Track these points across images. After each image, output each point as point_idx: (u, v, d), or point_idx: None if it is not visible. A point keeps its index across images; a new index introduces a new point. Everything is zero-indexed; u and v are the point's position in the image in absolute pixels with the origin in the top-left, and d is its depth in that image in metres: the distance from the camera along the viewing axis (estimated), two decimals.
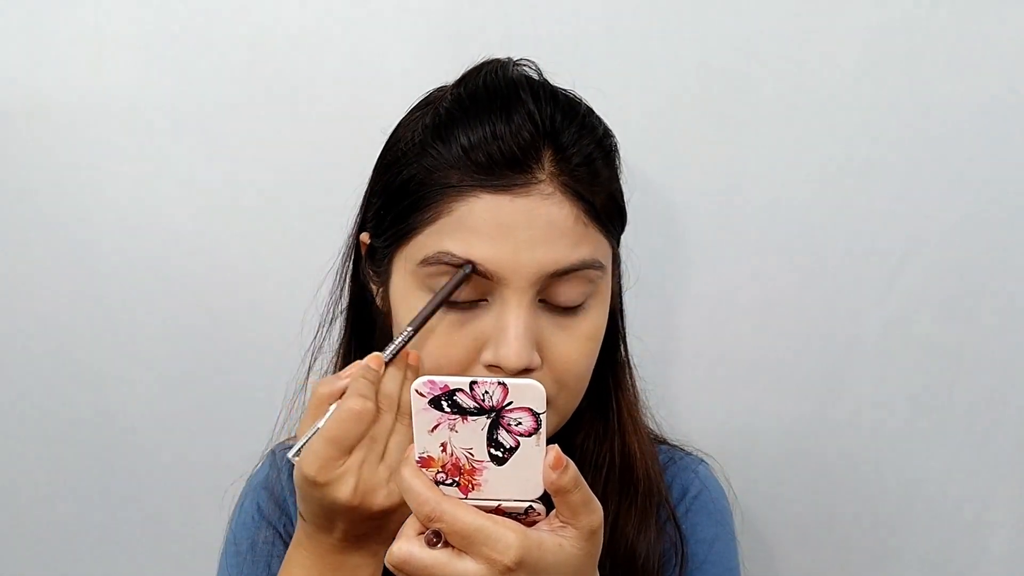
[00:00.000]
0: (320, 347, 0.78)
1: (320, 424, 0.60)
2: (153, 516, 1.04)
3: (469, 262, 0.62)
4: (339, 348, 0.77)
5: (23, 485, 1.05)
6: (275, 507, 0.78)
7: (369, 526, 0.61)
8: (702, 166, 0.93)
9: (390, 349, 0.63)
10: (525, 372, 0.63)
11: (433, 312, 0.63)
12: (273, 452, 0.82)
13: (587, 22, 0.91)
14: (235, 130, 0.95)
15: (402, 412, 0.62)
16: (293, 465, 0.79)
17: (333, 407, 0.61)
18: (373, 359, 0.62)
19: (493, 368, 0.64)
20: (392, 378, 0.63)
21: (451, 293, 0.63)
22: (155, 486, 1.04)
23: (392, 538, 0.60)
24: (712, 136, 0.92)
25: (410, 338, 0.63)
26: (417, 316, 0.63)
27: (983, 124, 0.91)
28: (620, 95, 0.90)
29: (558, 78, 0.70)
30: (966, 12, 0.89)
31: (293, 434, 0.82)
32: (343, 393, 0.61)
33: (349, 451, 0.59)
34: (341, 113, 0.93)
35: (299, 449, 0.61)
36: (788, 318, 0.96)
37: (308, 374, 0.78)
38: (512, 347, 0.62)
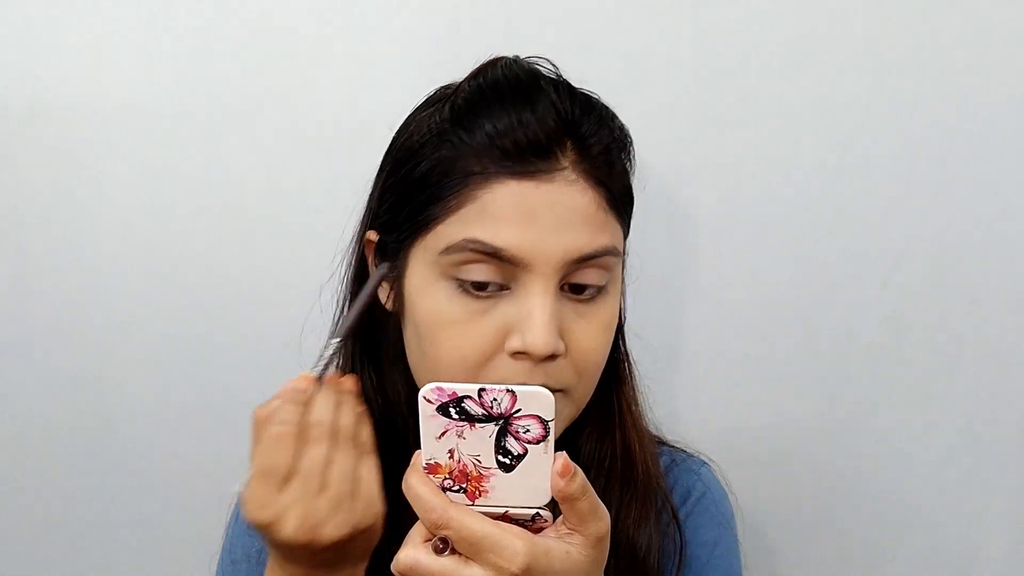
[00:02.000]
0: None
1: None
2: (150, 522, 1.03)
3: (386, 263, 0.63)
4: (342, 351, 0.76)
5: (21, 487, 1.04)
6: None
7: (330, 555, 0.58)
8: (703, 164, 0.93)
9: (319, 365, 0.60)
10: (550, 359, 0.63)
11: (357, 318, 0.62)
12: None
13: (589, 21, 0.91)
14: (235, 130, 0.94)
15: (343, 438, 0.58)
16: None
17: None
18: (301, 379, 0.59)
19: (519, 355, 0.63)
20: (324, 405, 0.58)
21: (371, 296, 0.62)
22: (153, 490, 1.02)
23: (364, 556, 0.60)
24: (713, 134, 0.92)
25: (337, 350, 0.61)
26: (340, 325, 0.62)
27: (980, 123, 0.92)
28: (622, 94, 0.89)
29: (564, 76, 0.70)
30: (964, 12, 0.89)
31: None
32: None
33: (284, 480, 0.56)
34: (342, 114, 0.93)
35: (245, 482, 0.57)
36: (787, 316, 0.96)
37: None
38: (539, 333, 0.61)
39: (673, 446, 0.82)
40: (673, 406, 0.96)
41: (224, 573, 0.77)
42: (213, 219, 0.96)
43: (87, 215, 0.96)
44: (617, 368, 0.76)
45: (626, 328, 0.78)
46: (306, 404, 0.58)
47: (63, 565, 1.05)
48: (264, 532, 0.56)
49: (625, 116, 0.70)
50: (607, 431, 0.75)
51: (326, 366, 0.61)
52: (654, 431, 0.82)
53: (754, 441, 0.99)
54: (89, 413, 1.01)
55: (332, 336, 0.61)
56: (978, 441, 0.99)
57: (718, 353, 0.97)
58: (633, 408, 0.76)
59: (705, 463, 0.81)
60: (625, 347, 0.78)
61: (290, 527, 0.55)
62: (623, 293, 0.77)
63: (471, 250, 0.62)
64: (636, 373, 0.78)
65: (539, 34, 0.90)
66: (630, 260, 0.78)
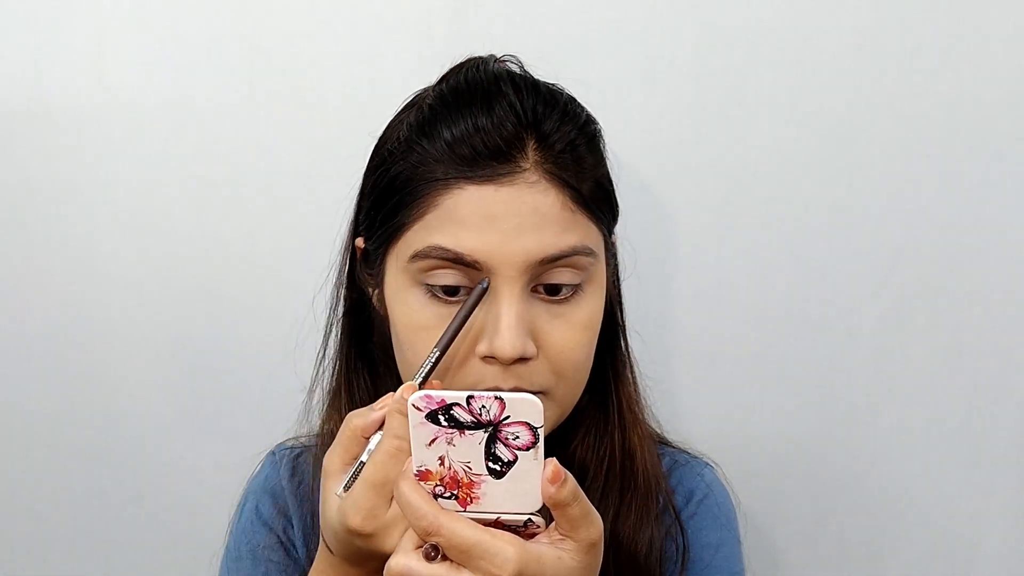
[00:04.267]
0: (319, 353, 0.77)
1: (364, 457, 0.59)
2: (154, 519, 1.04)
3: (487, 278, 0.62)
4: (336, 353, 0.76)
5: (23, 486, 1.05)
6: (275, 510, 0.78)
7: None
8: (702, 161, 0.93)
9: (419, 375, 0.62)
10: (521, 361, 0.63)
11: (457, 331, 0.63)
12: (273, 453, 0.82)
13: (584, 20, 0.90)
14: (236, 132, 0.94)
15: None
16: (294, 466, 0.80)
17: (373, 441, 0.60)
18: (407, 389, 0.60)
19: (489, 359, 0.63)
20: None
21: (472, 310, 0.62)
22: (156, 488, 1.03)
23: None
24: (711, 132, 0.92)
25: (437, 360, 0.62)
26: (441, 337, 0.62)
27: (979, 122, 0.91)
28: (620, 90, 0.89)
29: (558, 76, 0.69)
30: (963, 12, 0.89)
31: (293, 435, 0.82)
32: (378, 425, 0.60)
33: (391, 494, 0.58)
34: (343, 117, 0.93)
35: (346, 485, 0.59)
36: (787, 315, 0.96)
37: (315, 379, 0.78)
38: (505, 337, 0.62)
39: (676, 447, 0.81)
40: (673, 406, 0.95)
41: (228, 570, 0.77)
42: (215, 220, 0.96)
43: (88, 215, 0.97)
44: (616, 368, 0.76)
45: (627, 328, 0.77)
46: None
47: (63, 565, 1.06)
48: (362, 541, 0.58)
49: (625, 113, 0.70)
50: (606, 432, 0.74)
51: (426, 376, 0.62)
52: (656, 428, 0.81)
53: (754, 441, 0.98)
54: (89, 412, 1.02)
55: (435, 346, 0.62)
56: (978, 440, 0.98)
57: (717, 353, 0.97)
58: (634, 408, 0.76)
59: (708, 464, 0.81)
60: (626, 347, 0.77)
61: (394, 542, 0.57)
62: (619, 293, 0.76)
63: (435, 257, 0.63)
64: (638, 373, 0.78)
65: (539, 34, 0.90)
66: (628, 255, 0.77)
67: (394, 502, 0.58)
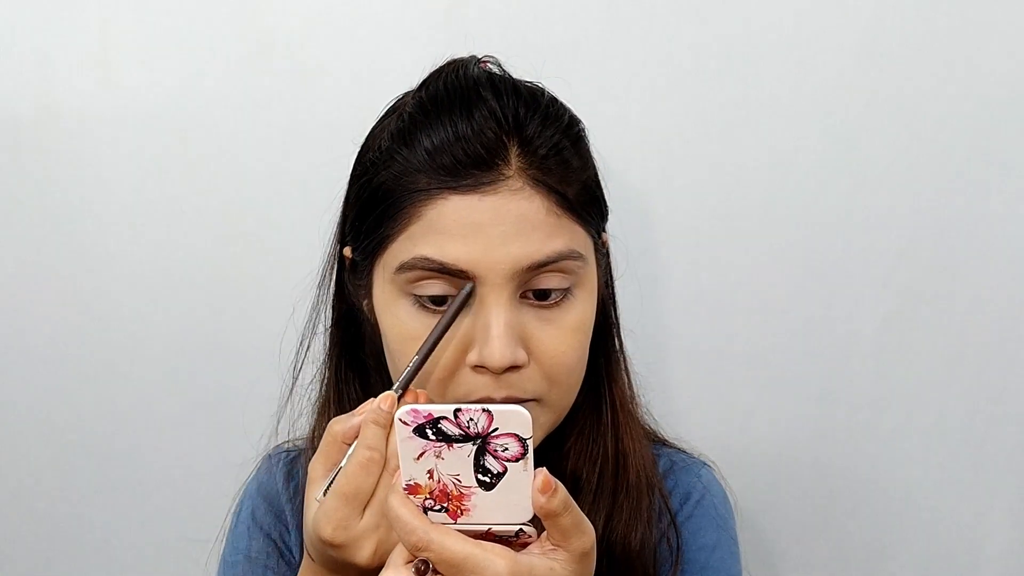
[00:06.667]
0: (304, 360, 0.77)
1: (343, 463, 0.59)
2: (151, 520, 1.04)
3: (471, 281, 0.61)
4: (326, 362, 0.76)
5: (20, 485, 1.05)
6: (271, 515, 0.77)
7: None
8: (699, 158, 0.92)
9: (399, 382, 0.61)
10: (512, 369, 0.62)
11: (440, 338, 0.62)
12: (269, 456, 0.82)
13: (586, 21, 0.89)
14: (238, 135, 0.94)
15: None
16: (289, 469, 0.80)
17: (351, 450, 0.59)
18: (385, 399, 0.60)
19: (479, 369, 0.63)
20: None
21: (455, 316, 0.62)
22: (154, 489, 1.04)
23: None
24: (709, 129, 0.91)
25: (419, 367, 0.62)
26: (423, 344, 0.62)
27: (980, 122, 0.90)
28: (619, 90, 0.88)
29: (543, 74, 0.68)
30: (964, 11, 0.88)
31: (287, 438, 0.82)
32: (358, 431, 0.59)
33: (363, 505, 0.58)
34: (343, 124, 0.92)
35: (325, 491, 0.59)
36: (788, 316, 0.95)
37: (293, 386, 0.78)
38: (495, 346, 0.61)
39: (673, 446, 0.81)
40: (670, 406, 0.94)
41: (225, 575, 0.77)
42: (214, 221, 0.96)
43: (90, 216, 0.97)
44: (610, 368, 0.75)
45: (622, 328, 0.77)
46: (389, 426, 0.59)
47: (62, 563, 1.06)
48: (334, 552, 0.58)
49: (625, 114, 0.68)
50: (599, 432, 0.74)
51: (405, 385, 0.61)
52: (653, 427, 0.81)
53: (752, 441, 0.98)
54: (87, 412, 1.02)
55: (416, 353, 0.62)
56: (979, 441, 0.97)
57: (718, 353, 0.96)
58: (628, 407, 0.75)
59: (706, 464, 0.80)
60: (620, 346, 0.76)
61: (365, 554, 0.58)
62: (612, 292, 0.75)
63: (421, 267, 0.62)
64: (632, 372, 0.77)
65: (537, 35, 0.89)
66: (623, 255, 0.76)
67: (367, 513, 0.58)
